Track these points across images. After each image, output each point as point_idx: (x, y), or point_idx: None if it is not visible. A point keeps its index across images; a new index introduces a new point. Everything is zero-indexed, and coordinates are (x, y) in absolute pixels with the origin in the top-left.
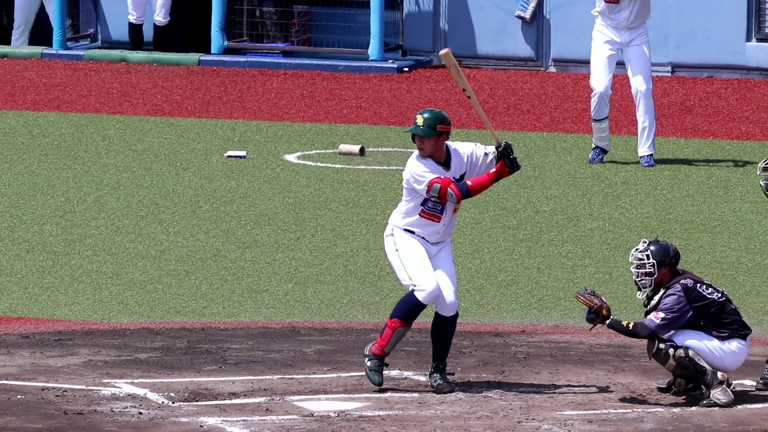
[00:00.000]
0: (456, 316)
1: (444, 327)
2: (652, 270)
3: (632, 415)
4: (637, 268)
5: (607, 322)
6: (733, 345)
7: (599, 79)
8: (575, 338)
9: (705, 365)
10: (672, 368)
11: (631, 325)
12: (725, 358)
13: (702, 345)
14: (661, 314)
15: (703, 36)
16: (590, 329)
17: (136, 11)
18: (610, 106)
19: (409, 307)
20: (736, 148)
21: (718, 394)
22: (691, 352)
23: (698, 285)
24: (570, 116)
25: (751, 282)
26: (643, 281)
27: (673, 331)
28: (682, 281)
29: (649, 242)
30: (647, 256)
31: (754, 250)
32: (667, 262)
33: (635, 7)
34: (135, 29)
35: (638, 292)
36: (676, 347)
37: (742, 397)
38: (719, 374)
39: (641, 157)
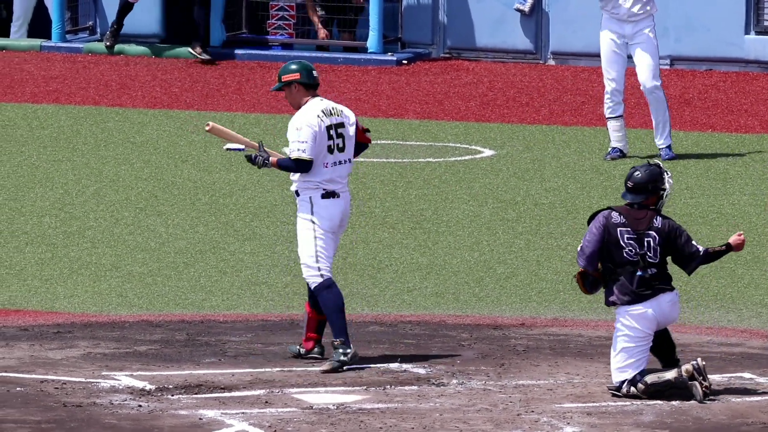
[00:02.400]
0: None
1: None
2: None
3: (631, 407)
4: None
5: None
6: (638, 309)
7: (607, 76)
8: (574, 331)
9: (666, 376)
10: (648, 397)
11: None
12: (643, 325)
13: (629, 351)
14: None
15: (702, 28)
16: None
17: None
18: (624, 105)
19: None
20: (735, 141)
21: (695, 393)
22: (648, 379)
23: (619, 227)
24: (569, 109)
25: (750, 275)
26: None
27: (587, 263)
28: (605, 212)
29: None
30: None
31: (752, 243)
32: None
33: (637, 0)
34: (127, 6)
35: None
36: (634, 384)
37: (740, 389)
38: (683, 370)
39: (660, 149)
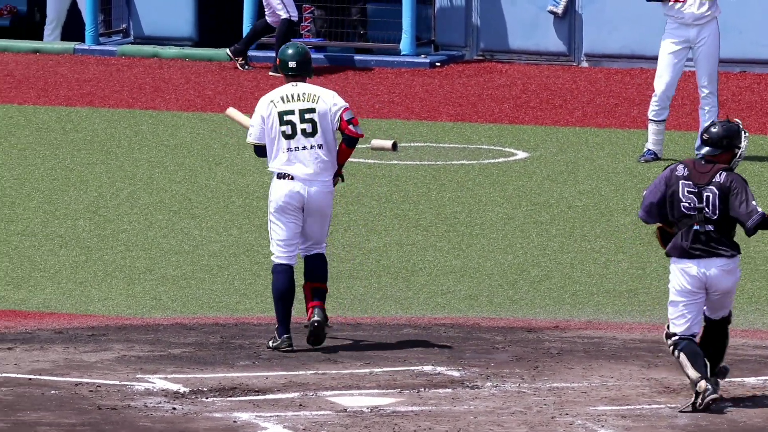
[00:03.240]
0: None
1: None
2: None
3: (666, 410)
4: None
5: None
6: (685, 264)
7: (660, 79)
8: (608, 333)
9: (690, 372)
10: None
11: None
12: (688, 281)
13: (677, 305)
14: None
15: (735, 30)
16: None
17: (291, 10)
18: (669, 111)
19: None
20: None
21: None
22: (681, 358)
23: (682, 180)
24: (602, 111)
25: None
26: None
27: (645, 214)
28: (672, 165)
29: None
30: None
31: None
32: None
33: (701, 3)
34: (291, 25)
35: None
36: (675, 347)
37: None
38: (703, 383)
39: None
